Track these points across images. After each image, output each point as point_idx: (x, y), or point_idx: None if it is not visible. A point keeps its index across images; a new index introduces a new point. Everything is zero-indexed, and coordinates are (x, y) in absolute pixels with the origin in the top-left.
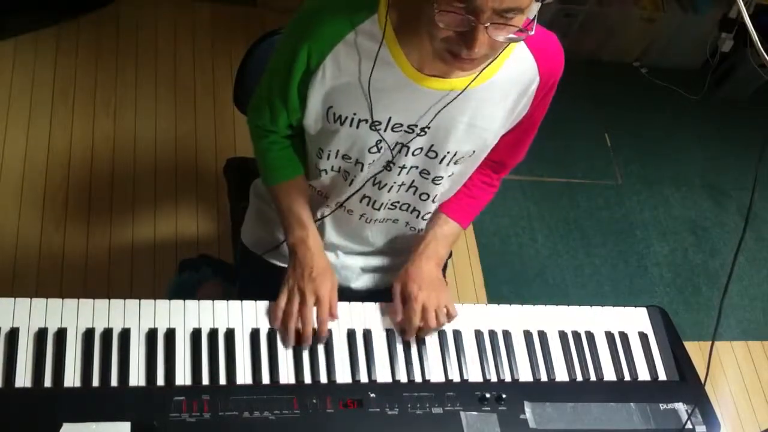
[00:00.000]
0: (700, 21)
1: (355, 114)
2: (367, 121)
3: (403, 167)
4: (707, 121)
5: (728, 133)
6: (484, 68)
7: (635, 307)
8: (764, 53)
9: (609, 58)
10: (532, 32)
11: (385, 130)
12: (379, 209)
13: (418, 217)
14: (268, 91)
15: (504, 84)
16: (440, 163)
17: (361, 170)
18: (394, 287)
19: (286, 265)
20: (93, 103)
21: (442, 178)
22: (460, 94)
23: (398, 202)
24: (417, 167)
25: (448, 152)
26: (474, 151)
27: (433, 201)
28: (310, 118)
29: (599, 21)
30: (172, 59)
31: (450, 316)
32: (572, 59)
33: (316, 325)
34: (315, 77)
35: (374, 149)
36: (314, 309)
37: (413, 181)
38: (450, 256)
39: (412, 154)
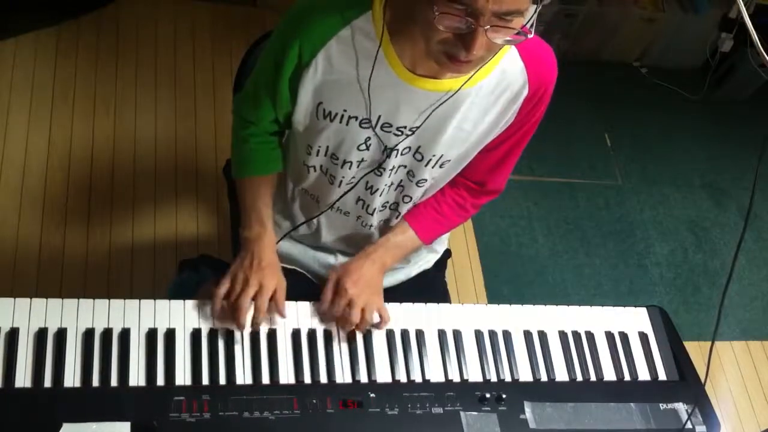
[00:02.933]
0: (700, 21)
1: (345, 110)
2: (357, 118)
3: (392, 168)
4: (707, 121)
5: (728, 133)
6: (477, 70)
7: (635, 307)
8: (764, 53)
9: (609, 58)
10: (531, 35)
11: (374, 128)
12: (372, 214)
13: (398, 218)
14: (255, 85)
15: (494, 89)
16: (425, 165)
17: (349, 169)
18: (330, 276)
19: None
20: (93, 103)
21: (426, 180)
22: (453, 94)
23: (387, 202)
24: (405, 166)
25: (434, 155)
26: (458, 154)
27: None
28: (299, 113)
29: (599, 21)
30: (172, 59)
31: (383, 321)
32: (572, 59)
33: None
34: (306, 72)
35: (363, 147)
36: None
37: (401, 180)
38: (449, 255)
39: (401, 154)
